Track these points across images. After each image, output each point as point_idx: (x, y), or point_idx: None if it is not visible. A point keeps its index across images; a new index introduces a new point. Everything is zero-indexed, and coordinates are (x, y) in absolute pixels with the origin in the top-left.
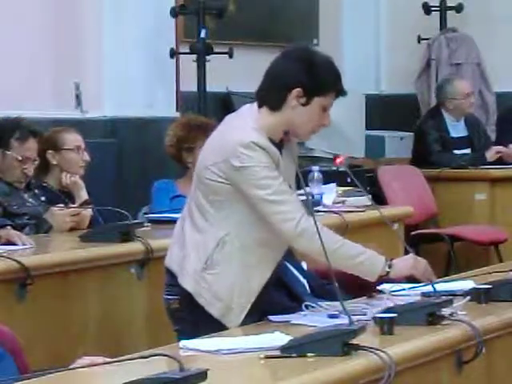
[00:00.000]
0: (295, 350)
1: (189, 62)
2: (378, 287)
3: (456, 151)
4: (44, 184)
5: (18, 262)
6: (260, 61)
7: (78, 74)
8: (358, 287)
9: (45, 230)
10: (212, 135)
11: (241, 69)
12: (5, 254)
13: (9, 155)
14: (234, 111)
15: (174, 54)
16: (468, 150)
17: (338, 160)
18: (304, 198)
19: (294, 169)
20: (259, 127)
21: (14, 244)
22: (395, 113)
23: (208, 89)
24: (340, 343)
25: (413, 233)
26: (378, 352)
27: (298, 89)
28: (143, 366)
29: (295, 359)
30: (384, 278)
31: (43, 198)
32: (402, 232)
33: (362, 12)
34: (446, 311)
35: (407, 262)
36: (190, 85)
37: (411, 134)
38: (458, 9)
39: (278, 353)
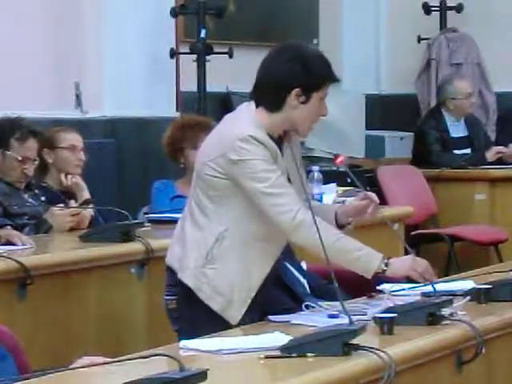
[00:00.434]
0: (295, 349)
1: (189, 62)
2: (378, 287)
3: (456, 151)
4: (44, 184)
5: (18, 262)
6: (260, 61)
7: (78, 74)
8: (358, 287)
9: (45, 230)
10: (211, 133)
11: (241, 69)
12: (5, 254)
13: (9, 155)
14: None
15: (173, 54)
16: (468, 150)
17: (339, 159)
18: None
19: (294, 167)
20: (258, 123)
21: (14, 244)
22: (395, 113)
23: (208, 89)
24: (340, 343)
25: (413, 233)
26: (378, 352)
27: (297, 89)
28: (143, 365)
29: (295, 359)
30: (383, 278)
31: (43, 198)
32: (402, 232)
33: (362, 12)
34: (446, 311)
35: (405, 263)
36: (189, 85)
37: (411, 134)
38: (458, 9)
39: (277, 353)
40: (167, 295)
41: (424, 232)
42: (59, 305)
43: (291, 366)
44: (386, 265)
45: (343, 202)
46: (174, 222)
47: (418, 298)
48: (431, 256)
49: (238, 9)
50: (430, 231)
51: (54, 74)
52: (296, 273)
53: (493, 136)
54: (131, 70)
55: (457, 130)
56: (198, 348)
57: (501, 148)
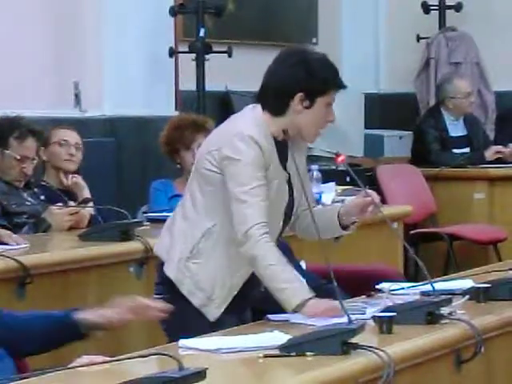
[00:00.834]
0: (294, 349)
1: (188, 61)
2: (377, 286)
3: (455, 150)
4: (43, 183)
5: (18, 261)
6: (259, 60)
7: (77, 73)
8: (357, 286)
9: (44, 229)
10: (213, 131)
11: (240, 68)
12: (4, 253)
13: (7, 154)
14: (232, 110)
15: (173, 53)
16: (467, 149)
17: (340, 158)
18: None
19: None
20: (260, 124)
21: (7, 244)
22: (394, 112)
23: (207, 88)
24: (339, 342)
25: (412, 232)
26: (377, 351)
27: (300, 94)
28: (142, 365)
29: (294, 358)
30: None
31: (42, 197)
32: (401, 231)
33: (361, 11)
34: (444, 310)
35: (320, 306)
36: (189, 84)
37: (410, 133)
38: (458, 8)
39: (277, 352)
40: (156, 293)
41: (423, 231)
42: (58, 304)
43: (290, 365)
44: (303, 305)
45: (342, 200)
46: None
47: (417, 297)
48: (430, 255)
49: (237, 8)
50: (429, 230)
51: (53, 74)
52: (295, 272)
53: (492, 135)
54: (130, 69)
55: (456, 129)
56: (197, 347)
57: (500, 147)
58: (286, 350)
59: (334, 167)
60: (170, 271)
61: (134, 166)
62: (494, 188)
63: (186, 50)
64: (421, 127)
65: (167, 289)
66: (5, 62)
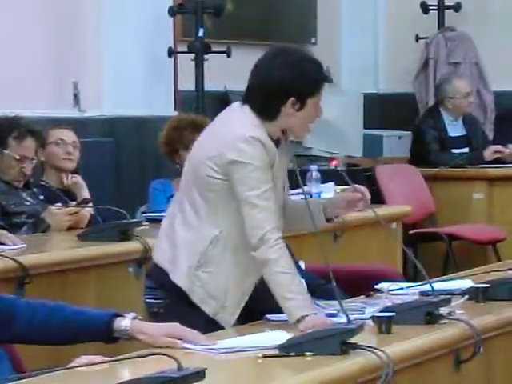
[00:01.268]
0: (293, 348)
1: (187, 61)
2: (376, 286)
3: (454, 150)
4: (42, 183)
5: (16, 261)
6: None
7: (76, 73)
8: (356, 286)
9: (43, 229)
10: (204, 132)
11: (239, 68)
12: (3, 253)
13: (6, 154)
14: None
15: (172, 53)
16: (466, 149)
17: (333, 162)
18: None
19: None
20: (257, 124)
21: (4, 244)
22: (393, 112)
23: (206, 88)
24: (338, 342)
25: (411, 232)
26: (376, 351)
27: (292, 98)
28: (141, 364)
29: (293, 358)
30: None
31: (42, 197)
32: (400, 231)
33: (360, 11)
34: (444, 310)
35: (315, 323)
36: (188, 84)
37: (409, 132)
38: (456, 8)
39: (276, 352)
40: (151, 298)
41: (422, 231)
42: None
43: (289, 365)
44: (303, 318)
45: None
46: None
47: (416, 297)
48: (429, 255)
49: (236, 8)
50: (428, 230)
51: (52, 73)
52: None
53: (491, 135)
54: (129, 69)
55: (455, 129)
56: (196, 347)
57: (499, 147)
58: (285, 349)
59: (332, 167)
60: (179, 281)
61: (133, 166)
62: (493, 188)
63: (185, 50)
64: (420, 127)
65: (173, 296)
66: (4, 61)
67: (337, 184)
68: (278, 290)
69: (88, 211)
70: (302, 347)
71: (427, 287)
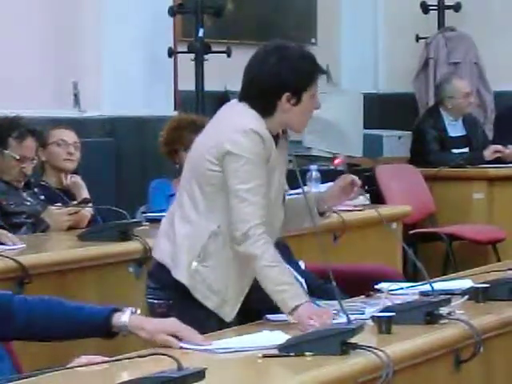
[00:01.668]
0: (293, 349)
1: (187, 61)
2: (376, 286)
3: (454, 150)
4: (43, 183)
5: (16, 261)
6: None
7: (76, 73)
8: (356, 286)
9: (42, 229)
10: (205, 129)
11: (239, 68)
12: (3, 253)
13: (7, 154)
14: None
15: (172, 53)
16: (466, 149)
17: (337, 161)
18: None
19: (284, 165)
20: (258, 117)
21: (3, 243)
22: (393, 112)
23: (206, 88)
24: (338, 342)
25: (411, 232)
26: (376, 351)
27: (287, 93)
28: (141, 365)
29: (293, 358)
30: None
31: (42, 197)
32: (400, 231)
33: (360, 11)
34: (444, 310)
35: (309, 310)
36: (188, 84)
37: (409, 133)
38: (456, 8)
39: (276, 352)
40: (153, 298)
41: (422, 231)
42: None
43: (289, 365)
44: (296, 309)
45: None
46: None
47: (416, 297)
48: (429, 255)
49: (236, 8)
50: (428, 230)
51: (52, 73)
52: (294, 272)
53: (490, 135)
54: (129, 69)
55: (455, 129)
56: (196, 347)
57: (499, 147)
58: (285, 350)
59: (333, 167)
60: (180, 276)
61: (133, 166)
62: (493, 188)
63: (185, 50)
64: (420, 127)
65: (176, 293)
66: (4, 61)
67: None
68: (268, 285)
69: (88, 211)
70: (301, 347)
71: (427, 287)
